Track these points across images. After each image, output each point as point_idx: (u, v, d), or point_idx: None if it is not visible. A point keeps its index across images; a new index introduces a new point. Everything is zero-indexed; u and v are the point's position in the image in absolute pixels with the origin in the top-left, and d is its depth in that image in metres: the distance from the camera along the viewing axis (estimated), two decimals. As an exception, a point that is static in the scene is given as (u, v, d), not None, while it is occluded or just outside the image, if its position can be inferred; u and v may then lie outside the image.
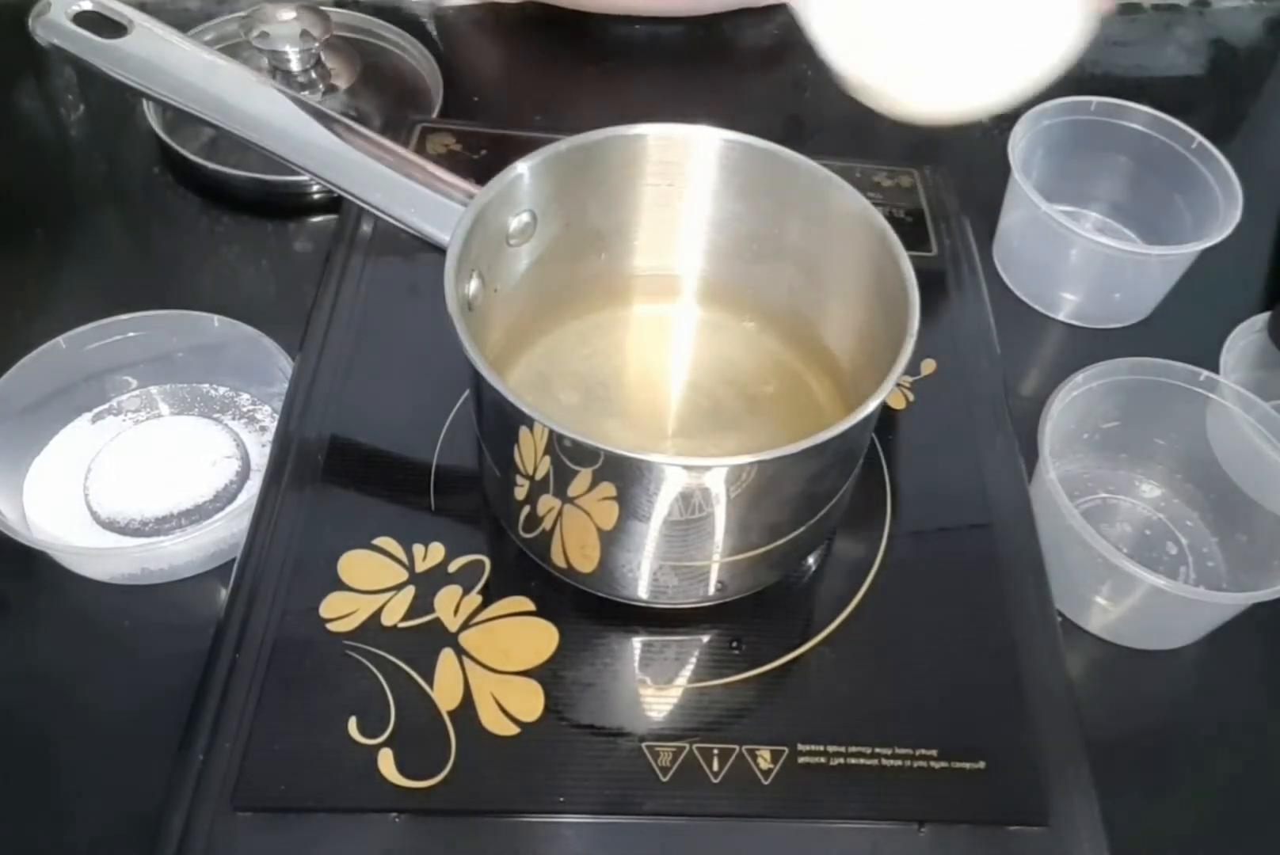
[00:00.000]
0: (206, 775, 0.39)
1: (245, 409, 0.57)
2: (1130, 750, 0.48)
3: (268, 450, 0.50)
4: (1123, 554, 0.47)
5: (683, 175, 0.46)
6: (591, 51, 0.77)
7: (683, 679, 0.43)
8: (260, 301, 0.62)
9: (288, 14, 0.67)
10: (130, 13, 0.44)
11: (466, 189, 0.45)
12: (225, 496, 0.53)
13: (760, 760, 0.41)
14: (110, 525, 0.52)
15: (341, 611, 0.43)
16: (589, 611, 0.44)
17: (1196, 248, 0.59)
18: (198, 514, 0.52)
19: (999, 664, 0.44)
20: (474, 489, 0.47)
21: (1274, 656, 0.52)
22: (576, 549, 0.42)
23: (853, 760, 0.41)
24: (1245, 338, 0.59)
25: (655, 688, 0.43)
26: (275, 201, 0.67)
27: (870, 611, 0.45)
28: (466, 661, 0.42)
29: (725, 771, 0.40)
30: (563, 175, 0.44)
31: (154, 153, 0.68)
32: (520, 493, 0.41)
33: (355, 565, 0.44)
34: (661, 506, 0.37)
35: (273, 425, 0.55)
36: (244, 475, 0.54)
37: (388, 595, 0.44)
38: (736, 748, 0.41)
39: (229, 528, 0.49)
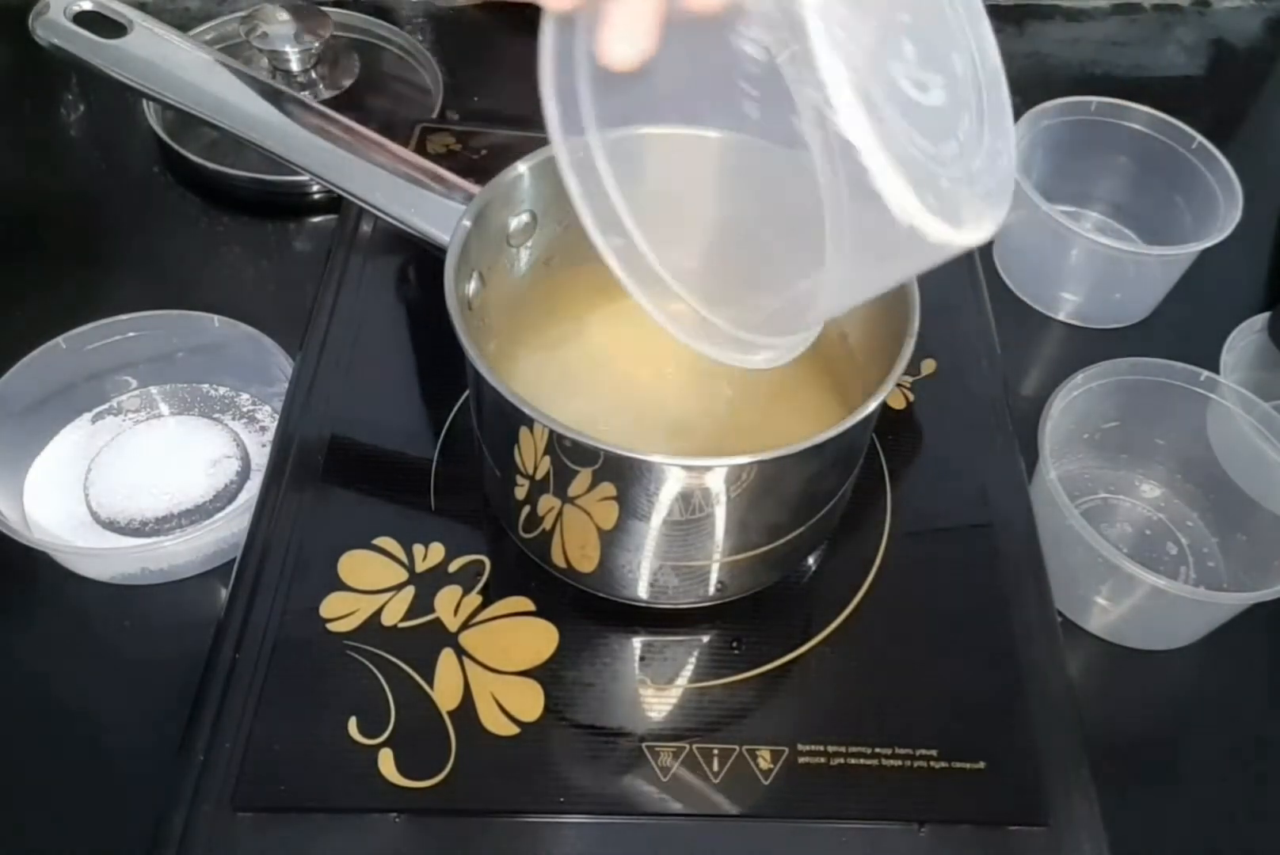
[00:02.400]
0: (206, 775, 0.39)
1: (245, 409, 0.57)
2: (1130, 750, 0.48)
3: (268, 450, 0.50)
4: (1123, 554, 0.47)
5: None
6: (591, 51, 0.77)
7: (683, 679, 0.43)
8: (260, 301, 0.62)
9: (288, 14, 0.67)
10: (130, 13, 0.44)
11: (466, 189, 0.45)
12: (225, 496, 0.53)
13: (760, 760, 0.41)
14: (110, 525, 0.52)
15: (341, 611, 0.43)
16: (589, 611, 0.44)
17: (1196, 248, 0.59)
18: (198, 514, 0.52)
19: (999, 664, 0.44)
20: (474, 489, 0.47)
21: (1274, 656, 0.52)
22: (576, 549, 0.41)
23: (853, 760, 0.41)
24: (1245, 338, 0.59)
25: (655, 688, 0.43)
26: (275, 201, 0.67)
27: (870, 611, 0.45)
28: (466, 661, 0.42)
29: (725, 771, 0.40)
30: (563, 175, 0.44)
31: (154, 153, 0.68)
32: (520, 493, 0.41)
33: (355, 565, 0.44)
34: (661, 506, 0.37)
35: (273, 425, 0.55)
36: (244, 475, 0.54)
37: (388, 595, 0.44)
38: (736, 748, 0.41)
39: (229, 528, 0.49)
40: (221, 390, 0.57)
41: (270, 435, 0.55)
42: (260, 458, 0.54)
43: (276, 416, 0.50)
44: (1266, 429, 0.52)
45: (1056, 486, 0.48)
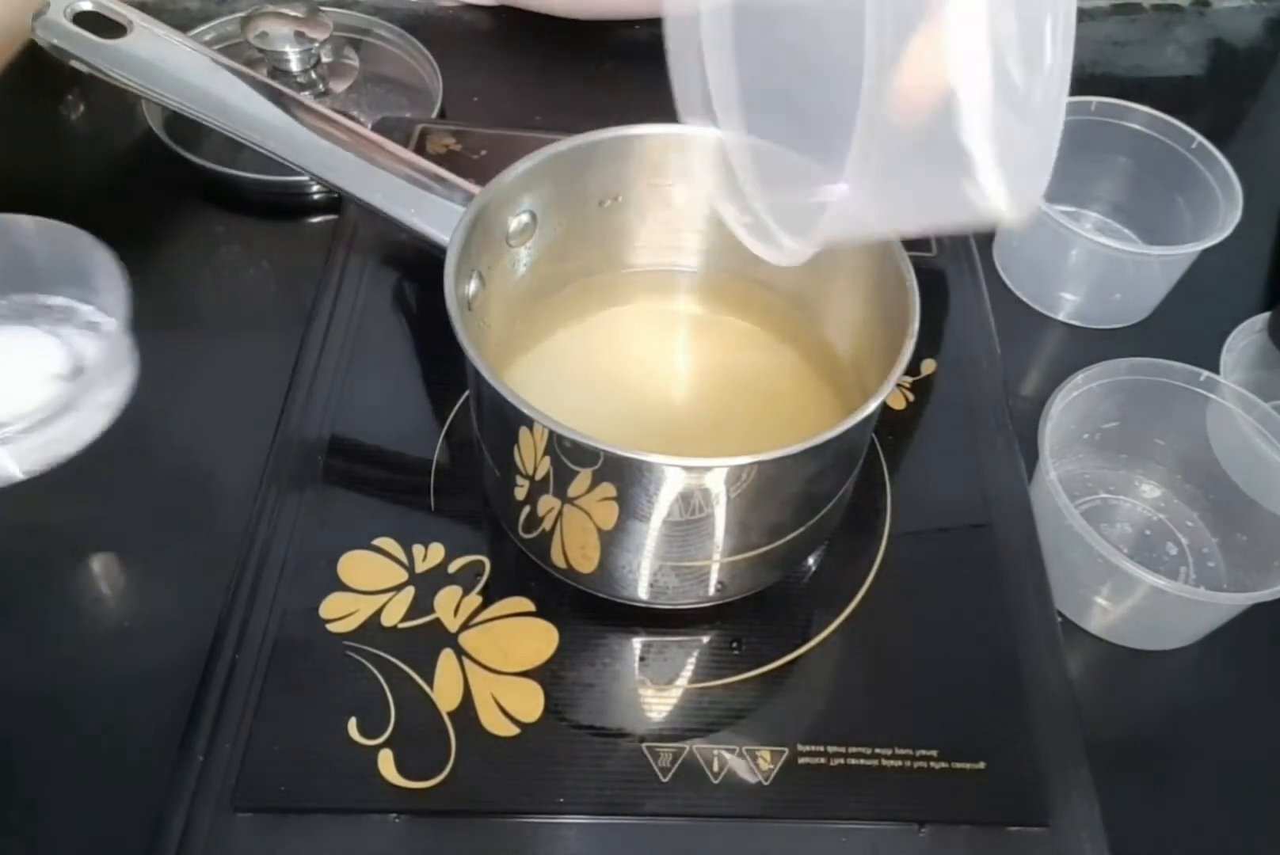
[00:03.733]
0: (206, 775, 0.39)
1: (68, 311, 0.56)
2: (1130, 750, 0.48)
3: (102, 350, 0.50)
4: (1123, 554, 0.47)
5: (683, 175, 0.46)
6: (591, 52, 0.77)
7: (683, 679, 0.43)
8: (260, 301, 0.62)
9: (287, 14, 0.67)
10: (130, 13, 0.45)
11: (466, 189, 0.45)
12: (58, 401, 0.51)
13: (760, 760, 0.41)
14: None
15: (341, 612, 0.43)
16: (589, 612, 0.44)
17: (1196, 248, 0.59)
18: (30, 419, 0.50)
19: (999, 664, 0.44)
20: (474, 489, 0.47)
21: (1274, 656, 0.52)
22: (576, 549, 0.42)
23: (853, 760, 0.41)
24: (1245, 338, 0.59)
25: (655, 688, 0.43)
26: (275, 201, 0.67)
27: (870, 611, 0.45)
28: (466, 662, 0.42)
29: (725, 772, 0.40)
30: (563, 175, 0.44)
31: (154, 153, 0.68)
32: (520, 493, 0.41)
33: (355, 565, 0.44)
34: (661, 507, 0.37)
35: (103, 322, 0.54)
36: (74, 375, 0.52)
37: (388, 596, 0.44)
38: (736, 748, 0.41)
39: (65, 426, 0.49)
40: (41, 297, 0.57)
41: (101, 333, 0.54)
42: (92, 356, 0.53)
43: (104, 315, 0.50)
44: (1266, 429, 0.52)
45: (1056, 487, 0.48)
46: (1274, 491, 0.52)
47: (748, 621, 0.45)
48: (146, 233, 0.66)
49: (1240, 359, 0.59)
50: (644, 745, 0.41)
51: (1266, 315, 0.59)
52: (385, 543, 0.45)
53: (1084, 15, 0.86)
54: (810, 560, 0.47)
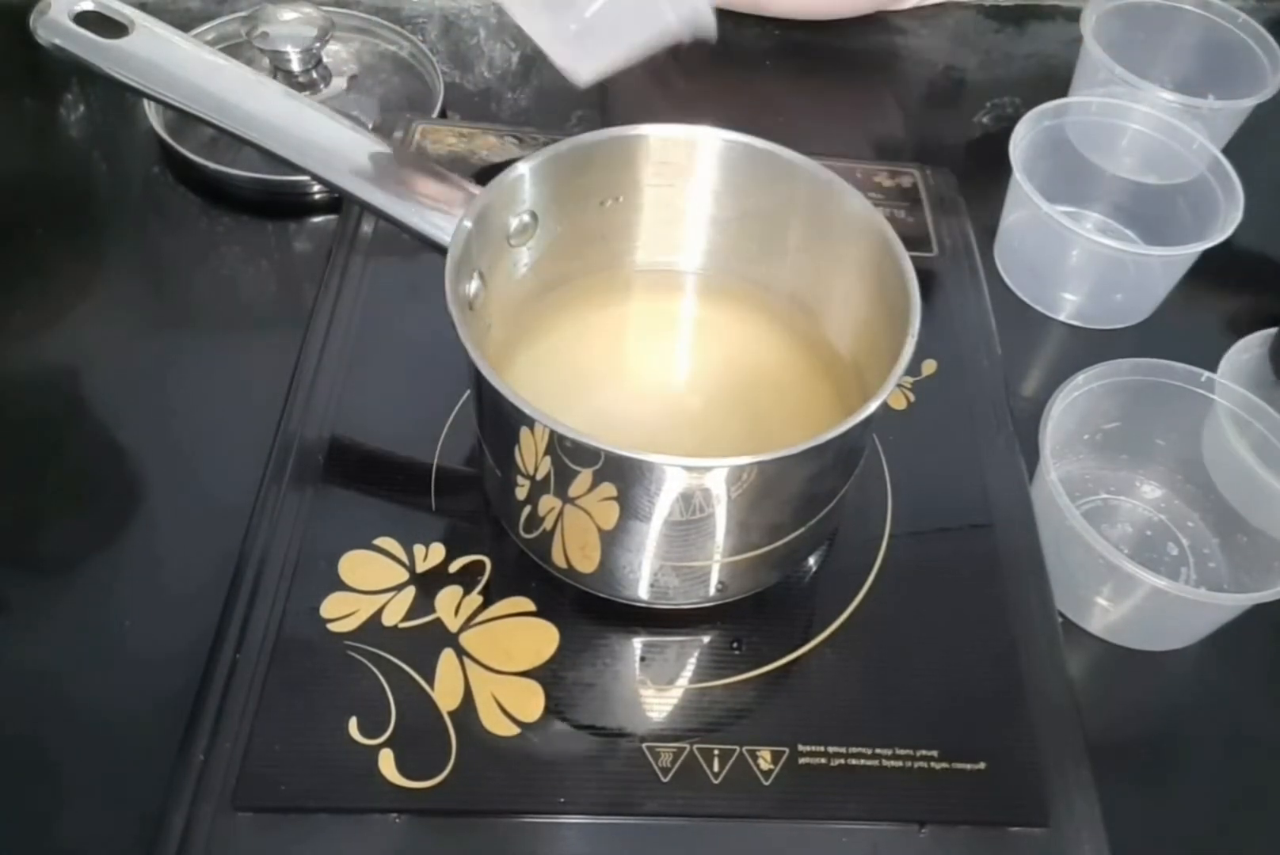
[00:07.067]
0: (206, 775, 0.39)
1: None
2: (1130, 750, 0.48)
3: None
4: (1124, 555, 0.47)
5: (683, 175, 0.46)
6: (592, 51, 0.77)
7: (683, 679, 0.43)
8: (260, 301, 0.62)
9: (288, 14, 0.67)
10: (131, 13, 0.44)
11: (466, 189, 0.45)
12: None
13: (761, 761, 0.41)
14: None
15: (342, 611, 0.43)
16: (589, 612, 0.44)
17: (1196, 248, 0.59)
18: None
19: (999, 664, 0.44)
20: (474, 489, 0.47)
21: (1274, 657, 0.52)
22: (577, 549, 0.42)
23: (853, 761, 0.41)
24: (1240, 356, 0.58)
25: (656, 688, 0.43)
26: (275, 201, 0.67)
27: (870, 612, 0.45)
28: (467, 662, 0.42)
29: (726, 772, 0.40)
30: (563, 175, 0.44)
31: (154, 153, 0.68)
32: (521, 493, 0.41)
33: (356, 565, 0.44)
34: (662, 507, 0.37)
35: None
36: None
37: (388, 595, 0.44)
38: (737, 748, 0.41)
39: None
40: None
41: None
42: None
43: None
44: (1262, 447, 0.52)
45: (1057, 487, 0.48)
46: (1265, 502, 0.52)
47: (748, 621, 0.45)
48: (147, 233, 0.66)
49: (1236, 377, 0.58)
50: (644, 745, 0.41)
51: (1261, 334, 0.58)
52: (386, 542, 0.45)
53: (1084, 16, 0.86)
54: (810, 560, 0.47)
